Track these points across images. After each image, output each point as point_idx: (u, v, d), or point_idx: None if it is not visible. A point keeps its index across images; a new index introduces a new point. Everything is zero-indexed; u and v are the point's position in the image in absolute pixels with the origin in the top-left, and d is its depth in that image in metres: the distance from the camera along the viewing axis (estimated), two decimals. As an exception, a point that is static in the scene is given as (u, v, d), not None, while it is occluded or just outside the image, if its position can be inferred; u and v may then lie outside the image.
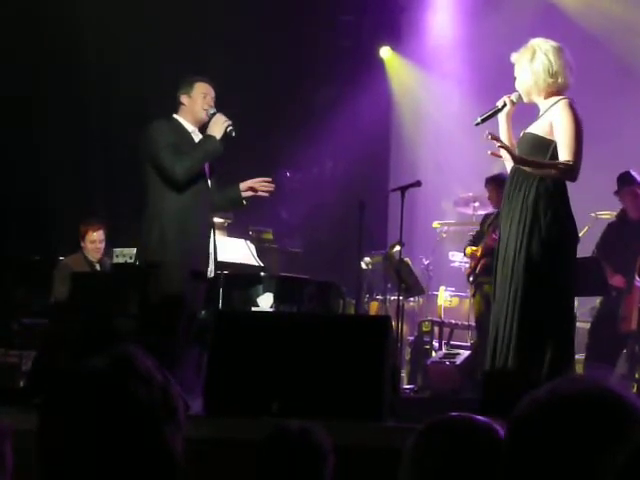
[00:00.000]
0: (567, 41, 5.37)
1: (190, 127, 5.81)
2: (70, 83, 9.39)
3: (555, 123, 4.93)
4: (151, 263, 5.58)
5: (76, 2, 9.45)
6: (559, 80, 4.96)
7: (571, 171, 4.89)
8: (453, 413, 2.12)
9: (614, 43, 9.70)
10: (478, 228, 8.31)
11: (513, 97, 5.10)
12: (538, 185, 4.94)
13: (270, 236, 8.28)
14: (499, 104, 5.12)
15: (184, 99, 5.81)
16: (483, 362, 5.17)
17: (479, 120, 5.12)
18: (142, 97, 8.93)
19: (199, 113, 5.79)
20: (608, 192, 7.47)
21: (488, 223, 7.93)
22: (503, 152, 4.96)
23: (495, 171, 8.12)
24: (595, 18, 9.95)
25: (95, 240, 7.72)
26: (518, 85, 5.09)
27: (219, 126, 5.68)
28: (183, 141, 5.71)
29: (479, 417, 2.07)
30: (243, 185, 5.92)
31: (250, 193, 5.93)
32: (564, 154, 4.87)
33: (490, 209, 8.58)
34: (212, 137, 5.67)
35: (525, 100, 5.10)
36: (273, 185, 5.99)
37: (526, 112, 5.29)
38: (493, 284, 5.13)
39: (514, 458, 1.28)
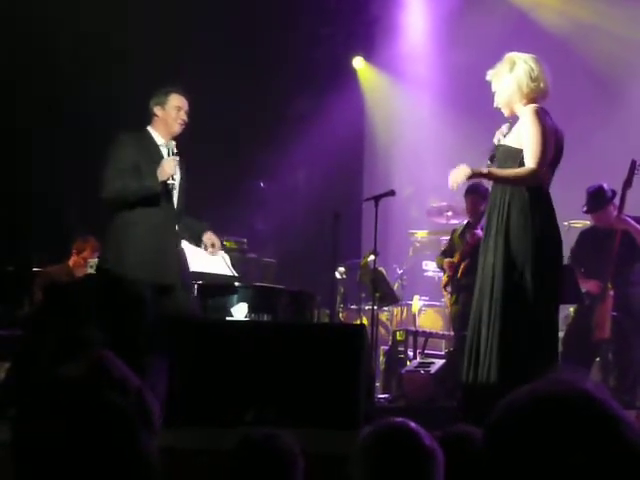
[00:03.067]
0: (536, 48, 5.42)
1: (160, 140, 5.77)
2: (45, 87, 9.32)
3: (521, 131, 4.99)
4: (107, 275, 5.65)
5: (80, 3, 9.38)
6: (540, 85, 5.02)
7: (532, 176, 4.92)
8: (395, 419, 2.34)
9: (584, 50, 9.77)
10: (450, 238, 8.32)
11: (504, 129, 5.16)
12: (511, 197, 4.99)
13: (234, 245, 8.24)
14: (495, 141, 5.18)
15: (157, 111, 5.78)
16: (459, 370, 5.16)
17: (489, 162, 5.18)
18: (110, 111, 8.87)
19: (172, 127, 5.76)
20: (581, 202, 7.46)
21: (457, 235, 7.96)
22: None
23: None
24: (565, 25, 10.01)
25: (89, 258, 7.79)
26: (498, 98, 5.11)
27: (165, 173, 5.58)
28: (146, 156, 5.67)
29: (412, 424, 2.29)
30: (209, 235, 5.85)
31: (207, 246, 5.87)
32: (527, 160, 4.93)
33: (461, 219, 8.62)
34: (154, 184, 5.56)
35: (506, 114, 5.13)
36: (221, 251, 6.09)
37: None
38: (474, 295, 5.11)
39: (492, 463, 1.28)
